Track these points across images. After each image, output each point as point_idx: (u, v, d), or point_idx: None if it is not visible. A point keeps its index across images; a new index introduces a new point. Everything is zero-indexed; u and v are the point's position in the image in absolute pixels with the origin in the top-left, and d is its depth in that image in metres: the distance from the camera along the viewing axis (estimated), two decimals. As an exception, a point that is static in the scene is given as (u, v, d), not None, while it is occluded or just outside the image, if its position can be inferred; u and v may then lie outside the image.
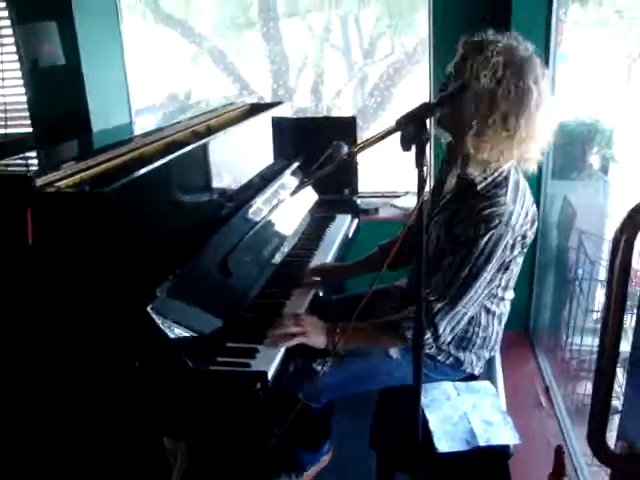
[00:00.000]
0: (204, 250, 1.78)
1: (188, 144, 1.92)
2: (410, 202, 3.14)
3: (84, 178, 1.61)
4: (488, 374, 1.96)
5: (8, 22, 3.31)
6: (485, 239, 1.60)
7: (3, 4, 3.31)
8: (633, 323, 1.38)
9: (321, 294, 2.08)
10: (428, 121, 1.33)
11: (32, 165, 1.85)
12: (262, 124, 2.58)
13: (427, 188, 1.29)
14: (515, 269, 1.78)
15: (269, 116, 2.63)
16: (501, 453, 1.70)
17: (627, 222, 1.04)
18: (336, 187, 2.96)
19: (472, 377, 1.91)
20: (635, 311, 1.46)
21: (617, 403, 1.57)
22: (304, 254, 2.33)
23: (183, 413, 1.56)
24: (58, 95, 3.25)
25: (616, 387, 1.58)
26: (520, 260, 1.77)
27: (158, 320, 1.48)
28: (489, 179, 1.65)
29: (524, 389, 2.50)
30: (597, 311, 2.45)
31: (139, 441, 1.65)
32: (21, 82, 3.40)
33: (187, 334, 1.54)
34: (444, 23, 2.90)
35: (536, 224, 1.73)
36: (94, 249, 1.46)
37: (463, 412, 1.77)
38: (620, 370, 1.59)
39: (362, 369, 1.83)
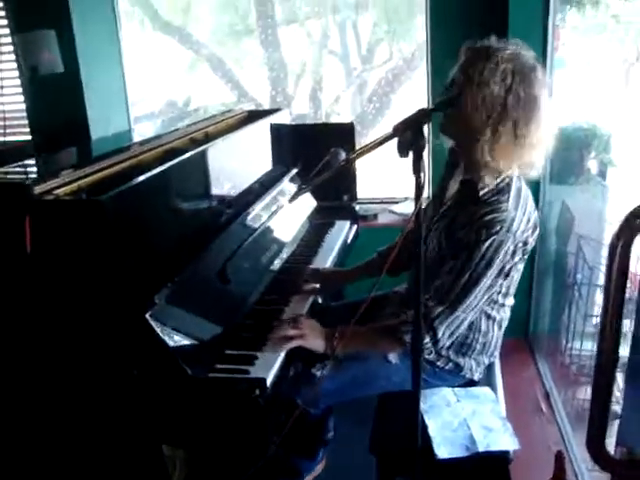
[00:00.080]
0: (203, 257, 1.78)
1: (186, 151, 1.92)
2: (409, 208, 3.14)
3: (82, 186, 1.61)
4: (488, 380, 1.95)
5: (7, 30, 3.33)
6: (486, 245, 1.60)
7: (2, 12, 3.32)
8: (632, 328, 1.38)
9: (320, 301, 2.08)
10: (425, 127, 1.33)
11: (30, 173, 1.86)
12: (260, 131, 2.59)
13: (425, 194, 1.29)
14: (516, 275, 1.78)
15: (267, 123, 2.63)
16: (501, 459, 1.70)
17: (624, 227, 1.04)
18: (335, 193, 2.96)
19: (471, 383, 1.91)
20: (634, 316, 1.45)
21: (618, 408, 1.57)
22: (303, 260, 2.33)
23: (182, 420, 1.56)
24: (57, 103, 3.25)
25: (617, 392, 1.58)
26: (521, 266, 1.77)
27: (157, 327, 1.48)
28: (491, 185, 1.66)
29: (524, 395, 2.50)
30: (596, 316, 2.45)
31: (138, 448, 1.64)
32: (20, 90, 3.41)
33: (186, 341, 1.54)
34: (441, 29, 2.91)
35: (537, 231, 1.73)
36: (92, 257, 1.46)
37: (463, 418, 1.76)
38: (620, 375, 1.59)
39: (361, 374, 1.83)
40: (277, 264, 2.17)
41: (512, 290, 1.83)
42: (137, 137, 2.40)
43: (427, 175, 1.30)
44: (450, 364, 1.86)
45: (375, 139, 1.40)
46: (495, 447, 1.68)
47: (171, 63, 5.06)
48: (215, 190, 2.06)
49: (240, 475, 1.66)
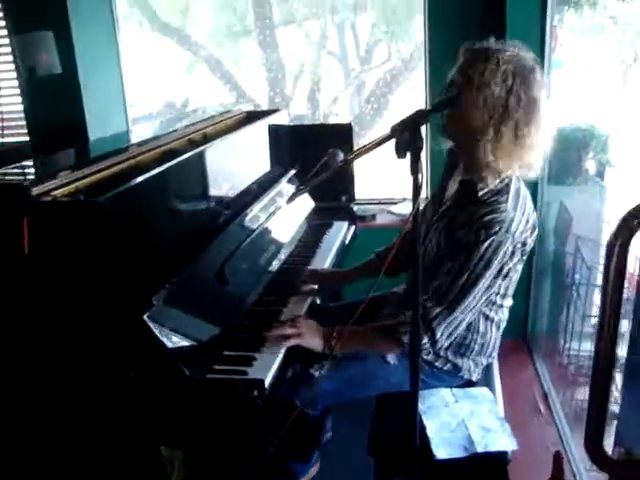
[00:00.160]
0: (201, 258, 1.78)
1: (184, 152, 1.92)
2: (407, 209, 3.14)
3: (80, 187, 1.61)
4: (486, 380, 1.95)
5: (5, 32, 3.33)
6: (485, 245, 1.61)
7: (0, 14, 3.32)
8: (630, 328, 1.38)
9: (318, 301, 2.08)
10: (423, 128, 1.33)
11: (28, 174, 1.86)
12: (258, 132, 2.59)
13: (423, 195, 1.29)
14: (514, 276, 1.78)
15: (265, 124, 2.63)
16: (499, 459, 1.70)
17: (622, 226, 1.04)
18: (333, 194, 2.96)
19: (470, 383, 1.91)
20: (631, 316, 1.46)
21: (616, 408, 1.57)
22: (301, 261, 2.33)
23: (180, 421, 1.56)
24: (55, 104, 3.25)
25: (616, 393, 1.58)
26: (519, 267, 1.77)
27: (155, 328, 1.48)
28: (491, 186, 1.66)
29: (522, 395, 2.50)
30: (595, 316, 2.45)
31: (136, 450, 1.64)
32: (18, 91, 3.41)
33: (184, 342, 1.54)
34: (440, 30, 2.92)
35: (536, 231, 1.74)
36: (90, 258, 1.46)
37: (461, 419, 1.76)
38: (619, 375, 1.59)
39: (359, 374, 1.83)
40: (275, 265, 2.17)
41: (510, 291, 1.83)
42: (135, 138, 2.40)
43: (425, 176, 1.30)
44: (448, 365, 1.86)
45: (373, 140, 1.40)
46: (493, 447, 1.68)
47: (169, 64, 5.06)
48: (213, 191, 2.06)
49: (238, 476, 1.66)
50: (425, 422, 1.73)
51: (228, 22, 5.17)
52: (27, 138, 3.45)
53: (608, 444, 1.28)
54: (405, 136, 1.27)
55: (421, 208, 1.95)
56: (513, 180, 1.68)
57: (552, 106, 1.64)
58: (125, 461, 1.66)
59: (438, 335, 1.66)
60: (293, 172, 2.71)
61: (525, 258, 1.76)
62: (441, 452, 1.65)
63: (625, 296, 1.68)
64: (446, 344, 1.72)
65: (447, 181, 1.88)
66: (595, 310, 2.49)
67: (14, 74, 3.37)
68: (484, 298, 1.69)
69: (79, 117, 3.22)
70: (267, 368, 1.60)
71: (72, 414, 1.60)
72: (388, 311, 2.00)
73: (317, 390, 1.74)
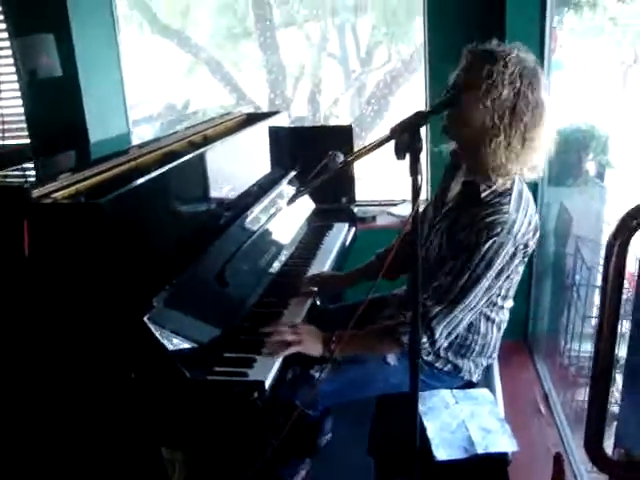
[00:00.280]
0: (201, 259, 1.78)
1: (185, 154, 1.92)
2: (407, 210, 3.14)
3: (80, 189, 1.61)
4: (486, 381, 1.95)
5: (6, 34, 3.33)
6: (486, 246, 1.61)
7: (1, 16, 3.33)
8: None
9: (319, 303, 2.08)
10: (423, 130, 1.34)
11: (29, 176, 1.86)
12: (259, 134, 2.59)
13: (423, 196, 1.30)
14: (515, 278, 1.78)
15: (266, 126, 2.64)
16: (499, 461, 1.70)
17: (621, 227, 1.05)
18: (333, 196, 2.96)
19: (470, 384, 1.91)
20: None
21: (616, 409, 1.57)
22: (301, 263, 2.33)
23: (181, 423, 1.56)
24: (56, 107, 3.25)
25: (616, 394, 1.58)
26: (521, 269, 1.78)
27: (155, 330, 1.48)
28: (494, 187, 1.66)
29: (523, 396, 2.50)
30: (595, 317, 2.45)
31: (137, 451, 1.64)
32: (19, 94, 3.41)
33: (184, 344, 1.55)
34: (439, 32, 2.92)
35: (538, 233, 1.74)
36: (90, 260, 1.46)
37: (461, 420, 1.76)
38: (619, 376, 1.59)
39: (359, 375, 1.83)
40: (276, 267, 2.17)
41: (511, 292, 1.83)
42: (136, 140, 2.40)
43: (424, 177, 1.31)
44: (449, 365, 1.86)
45: (372, 142, 1.40)
46: (494, 449, 1.68)
47: (170, 66, 5.07)
48: (214, 193, 2.06)
49: (239, 477, 1.66)
50: (425, 423, 1.72)
51: (228, 24, 5.18)
52: (28, 140, 3.46)
53: (608, 445, 1.28)
54: (404, 137, 1.27)
55: (421, 209, 1.98)
56: (516, 182, 1.69)
57: (553, 107, 1.65)
58: (126, 462, 1.66)
59: (437, 334, 1.66)
60: (293, 174, 2.71)
61: (526, 260, 1.76)
62: (441, 453, 1.65)
63: (625, 297, 1.68)
64: (445, 344, 1.72)
65: (449, 182, 1.88)
66: (595, 311, 2.48)
67: (15, 77, 3.37)
68: (485, 299, 1.69)
69: (79, 119, 3.23)
70: (267, 370, 1.60)
71: (73, 416, 1.60)
72: (389, 313, 2.00)
73: (317, 391, 1.74)
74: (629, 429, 1.32)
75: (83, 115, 3.23)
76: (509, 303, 1.86)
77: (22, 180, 1.74)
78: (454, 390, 1.88)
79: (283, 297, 2.01)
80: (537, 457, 1.98)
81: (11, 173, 1.77)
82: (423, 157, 1.31)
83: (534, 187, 2.61)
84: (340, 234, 2.66)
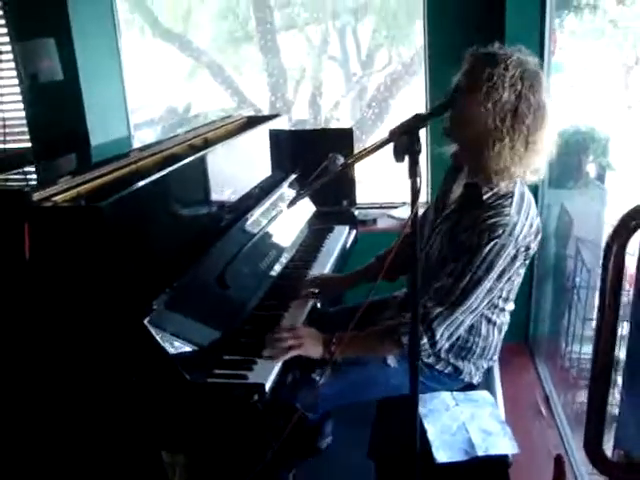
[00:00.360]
0: (202, 262, 1.79)
1: (185, 157, 1.93)
2: (407, 212, 3.12)
3: (81, 192, 1.61)
4: (487, 384, 1.95)
5: (7, 39, 3.34)
6: (488, 248, 1.61)
7: (2, 21, 3.34)
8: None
9: (319, 306, 2.08)
10: (422, 132, 1.34)
11: (30, 180, 1.86)
12: (259, 136, 2.59)
13: (423, 198, 1.30)
14: (517, 280, 1.78)
15: (266, 129, 2.64)
16: (500, 463, 1.69)
17: (620, 228, 1.05)
18: (334, 199, 2.97)
19: (470, 386, 1.91)
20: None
21: (616, 411, 1.56)
22: (302, 266, 2.34)
23: (181, 426, 1.56)
24: (57, 110, 3.27)
25: (617, 395, 1.58)
26: (522, 271, 1.78)
27: (155, 333, 1.48)
28: (495, 189, 1.66)
29: (524, 398, 2.50)
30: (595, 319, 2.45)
31: (138, 455, 1.64)
32: (20, 98, 3.42)
33: (184, 347, 1.55)
34: (439, 34, 2.93)
35: (540, 236, 1.74)
36: (91, 263, 1.47)
37: (462, 422, 1.76)
38: (619, 378, 1.58)
39: (359, 378, 1.83)
40: (276, 269, 2.17)
41: (512, 295, 1.83)
42: (137, 144, 2.40)
43: (423, 179, 1.31)
44: (449, 367, 1.86)
45: (372, 144, 1.41)
46: (494, 451, 1.68)
47: (171, 70, 5.07)
48: (214, 196, 2.06)
49: (239, 480, 1.67)
50: (426, 425, 1.72)
51: (229, 28, 5.18)
52: (29, 144, 3.47)
53: (608, 447, 1.28)
54: (403, 140, 1.28)
55: (422, 212, 1.99)
56: (517, 184, 1.69)
57: (554, 109, 1.65)
58: (126, 466, 1.66)
59: (438, 336, 1.66)
60: (294, 177, 2.72)
61: (528, 262, 1.76)
62: (442, 456, 1.65)
63: (626, 299, 1.68)
64: (446, 345, 1.72)
65: (451, 184, 1.88)
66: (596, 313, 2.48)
67: (16, 81, 3.38)
68: (486, 301, 1.69)
69: (81, 123, 3.24)
70: (268, 372, 1.60)
71: (73, 419, 1.60)
72: (389, 314, 2.00)
73: (318, 394, 1.74)
74: (629, 431, 1.32)
75: (84, 119, 3.24)
76: (510, 305, 1.86)
77: (23, 184, 1.74)
78: (454, 392, 1.87)
79: (284, 300, 2.02)
80: (538, 459, 1.98)
81: (12, 177, 1.78)
82: (423, 159, 1.31)
83: (535, 189, 2.61)
84: (341, 237, 2.66)
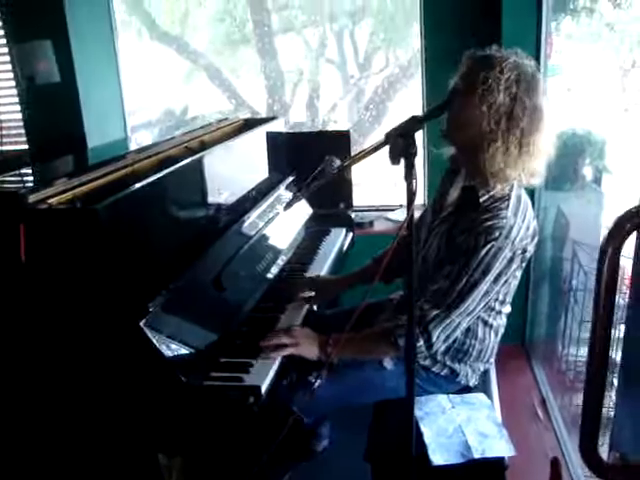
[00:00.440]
0: (198, 264, 1.78)
1: (182, 160, 1.93)
2: (404, 215, 3.14)
3: (77, 194, 1.61)
4: (483, 386, 1.95)
5: (4, 40, 3.34)
6: (484, 250, 1.61)
7: (-1, 23, 3.35)
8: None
9: (315, 308, 2.08)
10: (418, 134, 1.34)
11: (26, 182, 1.86)
12: (256, 139, 2.59)
13: (420, 201, 1.30)
14: (513, 283, 1.78)
15: (263, 131, 2.64)
16: (496, 465, 1.69)
17: (614, 231, 1.05)
18: (331, 201, 2.97)
19: (467, 389, 1.91)
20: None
21: (612, 413, 1.56)
22: (299, 268, 2.34)
23: (177, 428, 1.56)
24: (54, 112, 3.26)
25: (613, 397, 1.58)
26: (519, 274, 1.78)
27: (151, 335, 1.48)
28: (492, 192, 1.67)
29: (520, 401, 2.50)
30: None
31: (134, 458, 1.64)
32: (17, 99, 3.42)
33: (181, 349, 1.54)
34: (435, 37, 2.93)
35: (537, 238, 1.74)
36: (86, 265, 1.47)
37: (458, 424, 1.76)
38: (615, 380, 1.59)
39: (356, 381, 1.83)
40: (273, 272, 2.17)
41: (509, 297, 1.83)
42: (134, 146, 2.40)
43: (420, 182, 1.31)
44: (446, 370, 1.86)
45: (368, 147, 1.41)
46: (490, 453, 1.68)
47: (168, 72, 5.07)
48: (211, 198, 2.06)
49: (235, 483, 1.66)
50: (422, 428, 1.72)
51: (227, 30, 5.18)
52: (26, 146, 3.46)
53: (604, 450, 1.28)
54: (399, 142, 1.28)
55: (419, 214, 1.99)
56: (514, 187, 1.69)
57: (551, 112, 1.65)
58: (123, 469, 1.66)
59: (434, 338, 1.66)
60: (291, 179, 2.72)
61: (524, 265, 1.76)
62: (438, 458, 1.65)
63: (622, 302, 1.68)
64: (442, 348, 1.72)
65: (448, 187, 1.88)
66: (592, 316, 2.48)
67: (13, 82, 3.39)
68: (482, 303, 1.69)
69: (78, 125, 3.24)
70: (264, 375, 1.60)
71: (70, 421, 1.60)
72: (386, 317, 2.00)
73: (314, 397, 1.74)
74: (625, 433, 1.32)
75: (81, 121, 3.24)
76: (507, 308, 1.86)
77: (20, 186, 1.74)
78: (451, 395, 1.87)
79: (280, 302, 2.02)
80: (534, 462, 1.98)
81: (9, 179, 1.78)
82: (420, 162, 1.32)
83: (531, 192, 2.61)
84: (337, 239, 2.66)
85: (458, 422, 1.77)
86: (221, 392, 1.52)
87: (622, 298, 1.76)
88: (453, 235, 1.71)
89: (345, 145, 2.94)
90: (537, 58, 2.51)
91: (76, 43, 3.18)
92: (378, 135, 5.05)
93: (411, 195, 1.28)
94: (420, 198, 3.10)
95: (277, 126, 2.83)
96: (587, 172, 2.86)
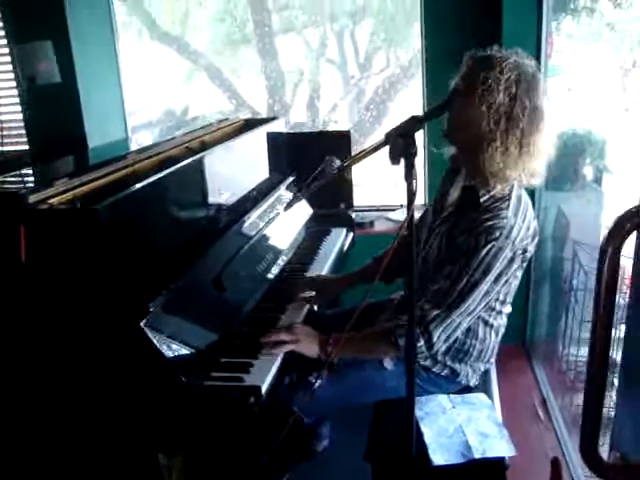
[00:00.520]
0: (199, 264, 1.78)
1: (182, 160, 1.93)
2: (405, 215, 3.14)
3: (77, 195, 1.61)
4: (484, 386, 1.95)
5: (5, 41, 3.35)
6: (485, 251, 1.61)
7: (0, 23, 3.34)
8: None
9: (316, 308, 2.08)
10: (418, 134, 1.34)
11: (27, 182, 1.86)
12: (256, 139, 2.59)
13: (420, 201, 1.30)
14: (514, 283, 1.78)
15: (264, 131, 2.64)
16: (497, 465, 1.69)
17: (614, 231, 1.05)
18: (332, 201, 2.97)
19: (467, 389, 1.91)
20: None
21: (613, 413, 1.56)
22: (299, 268, 2.34)
23: (177, 428, 1.56)
24: (54, 113, 3.27)
25: (614, 397, 1.58)
26: (519, 274, 1.78)
27: (152, 335, 1.48)
28: (493, 192, 1.67)
29: (521, 401, 2.50)
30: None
31: (134, 458, 1.64)
32: (18, 100, 3.43)
33: (181, 349, 1.55)
34: (436, 37, 2.93)
35: (537, 238, 1.74)
36: (87, 265, 1.47)
37: (458, 424, 1.76)
38: (616, 380, 1.59)
39: (356, 381, 1.83)
40: (273, 272, 2.17)
41: (510, 297, 1.83)
42: (134, 146, 2.40)
43: (420, 182, 1.31)
44: (446, 370, 1.86)
45: (367, 147, 1.41)
46: (491, 453, 1.68)
47: (169, 72, 5.07)
48: (211, 198, 2.06)
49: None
50: (422, 428, 1.72)
51: (227, 30, 5.18)
52: (27, 147, 3.46)
53: (604, 450, 1.28)
54: (399, 142, 1.28)
55: (420, 214, 1.99)
56: (515, 187, 1.69)
57: (553, 112, 1.65)
58: (123, 469, 1.66)
59: (435, 338, 1.66)
60: (291, 179, 2.72)
61: (525, 265, 1.76)
62: (438, 458, 1.65)
63: (623, 302, 1.68)
64: (443, 348, 1.72)
65: (449, 187, 1.88)
66: (593, 315, 2.47)
67: (14, 83, 3.39)
68: (483, 303, 1.69)
69: (78, 125, 3.24)
70: (264, 375, 1.60)
71: (70, 422, 1.60)
72: (386, 317, 2.00)
73: (314, 397, 1.74)
74: (625, 433, 1.32)
75: (82, 121, 3.25)
76: (507, 308, 1.86)
77: (20, 186, 1.74)
78: (451, 395, 1.87)
79: (281, 302, 2.02)
80: (535, 462, 1.98)
81: (10, 179, 1.78)
82: (420, 162, 1.32)
83: (532, 192, 2.61)
84: (338, 239, 2.66)
85: (458, 422, 1.77)
86: (221, 392, 1.53)
87: (622, 298, 1.76)
88: (454, 235, 1.71)
89: (345, 145, 2.95)
90: (537, 58, 2.51)
91: (77, 44, 3.19)
92: (379, 135, 5.02)
93: (411, 195, 1.28)
94: (420, 198, 3.11)
95: (277, 126, 2.83)
96: (587, 172, 2.86)
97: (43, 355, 1.54)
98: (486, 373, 1.97)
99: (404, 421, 1.48)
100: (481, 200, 1.67)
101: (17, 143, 3.54)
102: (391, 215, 3.28)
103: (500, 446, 1.71)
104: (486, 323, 1.82)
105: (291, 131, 3.73)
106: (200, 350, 1.60)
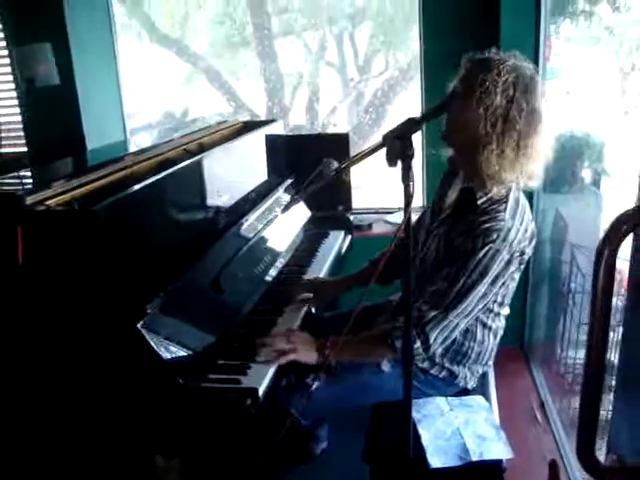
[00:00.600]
0: (196, 266, 1.78)
1: (180, 162, 1.93)
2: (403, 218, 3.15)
3: (75, 196, 1.61)
4: (482, 389, 1.95)
5: (4, 43, 3.35)
6: (482, 253, 1.62)
7: (-1, 25, 3.35)
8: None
9: (314, 311, 2.08)
10: (415, 136, 1.34)
11: (26, 184, 1.86)
12: (255, 141, 2.60)
13: (418, 203, 1.30)
14: (511, 285, 1.79)
15: (262, 134, 2.64)
16: (494, 468, 1.69)
17: (611, 233, 1.05)
18: (330, 204, 2.97)
19: (465, 391, 1.91)
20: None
21: (609, 415, 1.56)
22: (297, 271, 2.33)
23: (174, 430, 1.55)
24: (53, 115, 3.27)
25: (612, 399, 1.58)
26: (517, 276, 1.78)
27: (149, 337, 1.48)
28: (490, 194, 1.67)
29: (519, 403, 2.50)
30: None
31: (131, 459, 1.64)
32: (16, 102, 3.43)
33: (178, 351, 1.54)
34: (435, 40, 2.93)
35: (535, 240, 1.75)
36: (84, 267, 1.47)
37: (456, 427, 1.76)
38: (613, 383, 1.59)
39: (354, 383, 1.83)
40: (271, 274, 2.17)
41: (507, 299, 1.83)
42: (133, 148, 2.40)
43: (418, 184, 1.31)
44: (444, 372, 1.86)
45: (365, 149, 1.41)
46: (488, 456, 1.68)
47: (168, 75, 5.08)
48: (209, 200, 2.06)
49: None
50: (420, 431, 1.72)
51: (227, 33, 5.19)
52: (25, 148, 3.47)
53: (601, 452, 1.28)
54: (396, 144, 1.28)
55: (418, 216, 1.99)
56: (512, 189, 1.69)
57: (551, 115, 1.66)
58: (120, 471, 1.65)
59: (431, 340, 1.67)
60: (290, 181, 2.72)
61: (523, 267, 1.76)
62: (436, 461, 1.65)
63: (620, 304, 1.68)
64: (440, 350, 1.72)
65: (446, 189, 1.89)
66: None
67: (13, 85, 3.39)
68: (480, 305, 1.69)
69: (77, 127, 3.25)
70: (261, 377, 1.60)
71: (67, 423, 1.59)
72: (384, 319, 1.99)
73: (312, 399, 1.73)
74: (622, 435, 1.32)
75: (80, 123, 3.25)
76: (505, 310, 1.86)
77: (18, 187, 1.74)
78: (449, 397, 1.87)
79: (278, 305, 2.02)
80: (533, 464, 1.98)
81: (8, 181, 1.78)
82: (418, 164, 1.32)
83: (530, 194, 2.60)
84: (336, 242, 2.66)
85: (456, 425, 1.77)
86: (218, 394, 1.52)
87: (620, 300, 1.76)
88: (451, 237, 1.71)
89: (344, 148, 2.95)
90: (536, 61, 2.51)
91: (76, 46, 3.19)
92: (378, 138, 5.04)
93: (408, 197, 1.28)
94: (418, 200, 3.11)
95: (276, 129, 2.83)
96: (586, 175, 2.86)
97: (41, 357, 1.54)
98: (484, 375, 1.97)
99: (402, 423, 1.48)
100: (478, 202, 1.67)
101: (16, 145, 3.55)
102: (389, 218, 3.27)
103: (498, 449, 1.70)
104: (484, 325, 1.82)
105: (290, 134, 3.73)
106: (197, 352, 1.60)
